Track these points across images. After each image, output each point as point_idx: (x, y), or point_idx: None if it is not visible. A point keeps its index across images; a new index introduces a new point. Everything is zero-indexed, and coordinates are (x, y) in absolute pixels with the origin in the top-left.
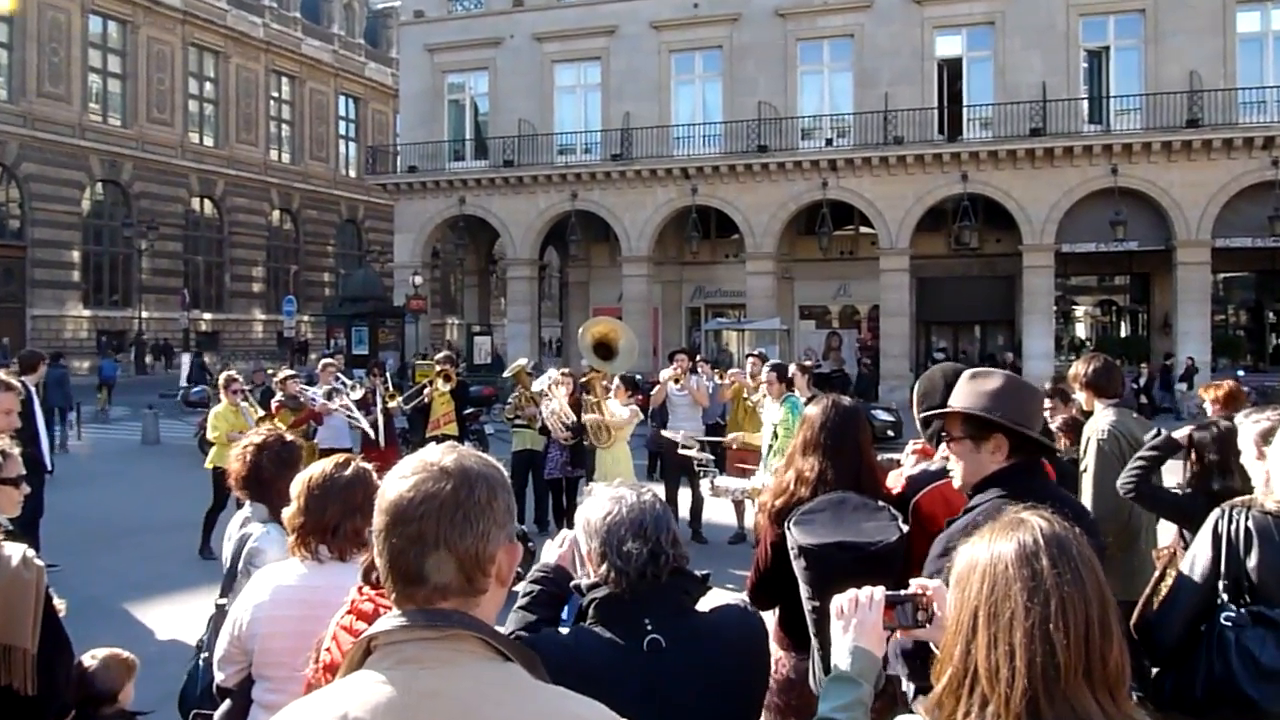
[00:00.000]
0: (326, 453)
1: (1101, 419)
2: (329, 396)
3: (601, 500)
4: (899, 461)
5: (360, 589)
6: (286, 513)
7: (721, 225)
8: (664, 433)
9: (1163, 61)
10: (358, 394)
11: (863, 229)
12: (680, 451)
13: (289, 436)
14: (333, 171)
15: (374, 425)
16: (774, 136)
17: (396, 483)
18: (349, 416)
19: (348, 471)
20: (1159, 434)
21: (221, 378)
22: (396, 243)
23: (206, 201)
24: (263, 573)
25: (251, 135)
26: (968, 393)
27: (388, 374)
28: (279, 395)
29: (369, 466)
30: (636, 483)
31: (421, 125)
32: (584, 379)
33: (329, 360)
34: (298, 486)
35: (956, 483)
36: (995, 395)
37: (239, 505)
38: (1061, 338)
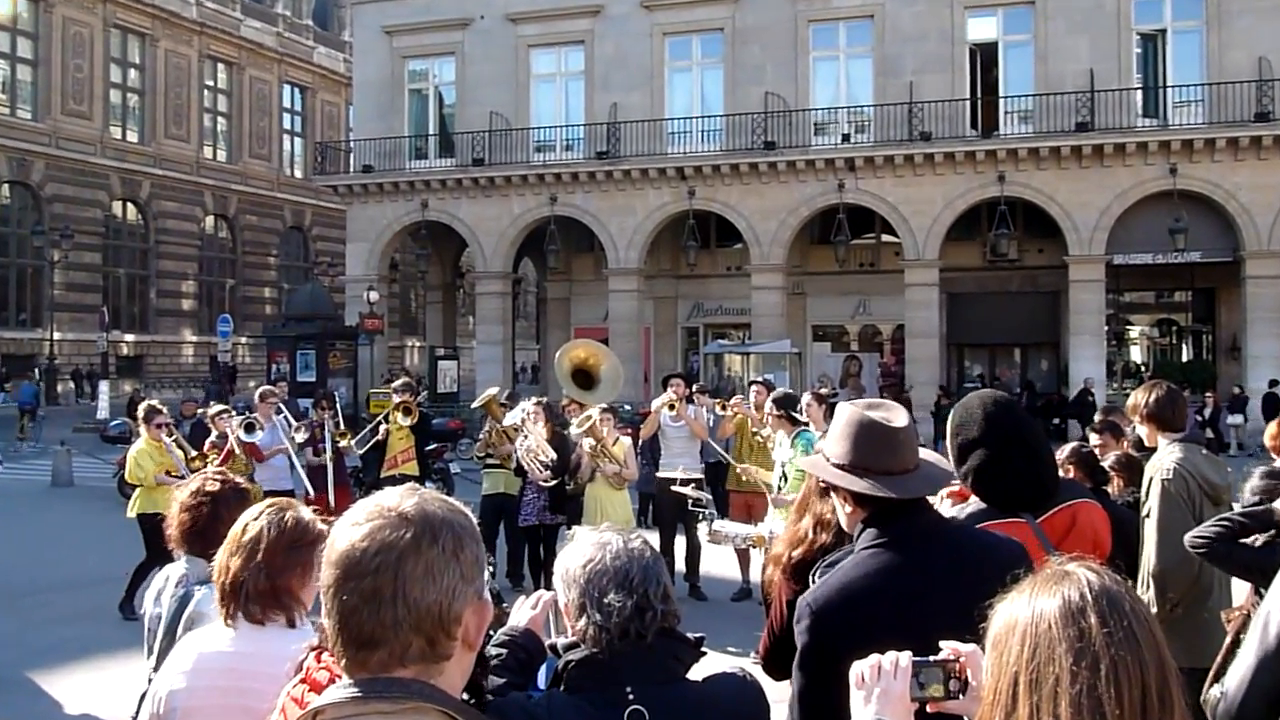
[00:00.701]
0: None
1: (1166, 456)
2: (249, 429)
3: (584, 546)
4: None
5: (318, 654)
6: (214, 567)
7: (723, 233)
8: (660, 472)
9: (1227, 46)
10: (302, 435)
11: (885, 237)
12: (675, 489)
13: (240, 482)
14: (275, 172)
15: (318, 468)
16: (783, 132)
17: (348, 531)
18: (287, 453)
19: (285, 519)
20: (1261, 504)
21: (142, 409)
22: (349, 253)
23: (130, 206)
24: (187, 640)
25: (182, 130)
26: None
27: (338, 406)
28: (215, 434)
29: (311, 513)
30: (628, 528)
31: (378, 118)
32: (564, 405)
33: (270, 388)
34: (228, 538)
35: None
36: (842, 439)
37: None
38: (1114, 362)
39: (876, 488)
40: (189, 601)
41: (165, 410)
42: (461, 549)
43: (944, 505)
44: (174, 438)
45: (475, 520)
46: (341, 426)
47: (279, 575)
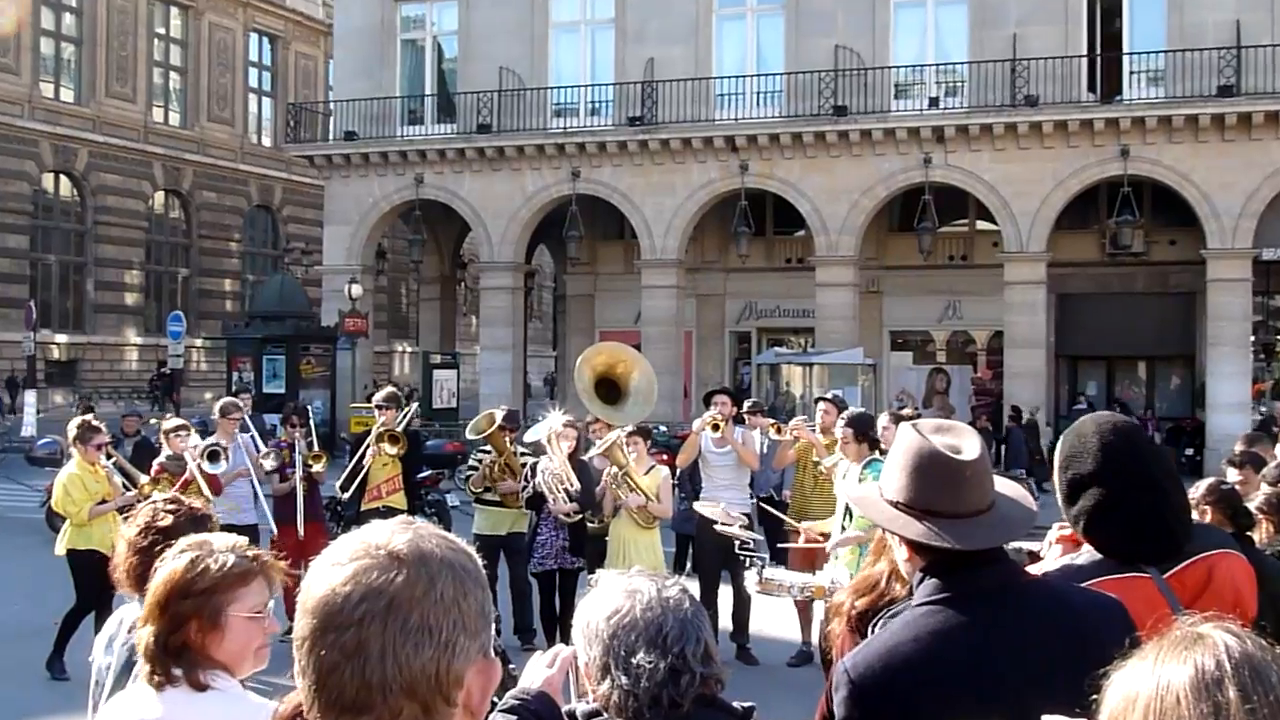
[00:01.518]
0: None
1: None
2: (212, 457)
3: (610, 594)
4: (1035, 555)
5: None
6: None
7: (782, 218)
8: (697, 506)
9: None
10: (271, 463)
11: (980, 225)
12: (719, 529)
13: (197, 507)
14: (239, 139)
15: (285, 497)
16: (856, 95)
17: (328, 573)
18: (250, 479)
19: (218, 560)
20: None
21: (73, 426)
22: (327, 238)
23: (63, 179)
24: (110, 708)
25: (126, 87)
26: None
27: (312, 423)
28: (165, 453)
29: (254, 551)
30: (663, 573)
31: (364, 75)
32: (589, 425)
33: (233, 400)
34: (155, 584)
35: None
36: (898, 470)
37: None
38: (1261, 379)
39: (935, 535)
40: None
41: (104, 428)
42: (465, 596)
43: (1051, 553)
44: (114, 460)
45: (480, 562)
46: (316, 447)
47: (208, 629)
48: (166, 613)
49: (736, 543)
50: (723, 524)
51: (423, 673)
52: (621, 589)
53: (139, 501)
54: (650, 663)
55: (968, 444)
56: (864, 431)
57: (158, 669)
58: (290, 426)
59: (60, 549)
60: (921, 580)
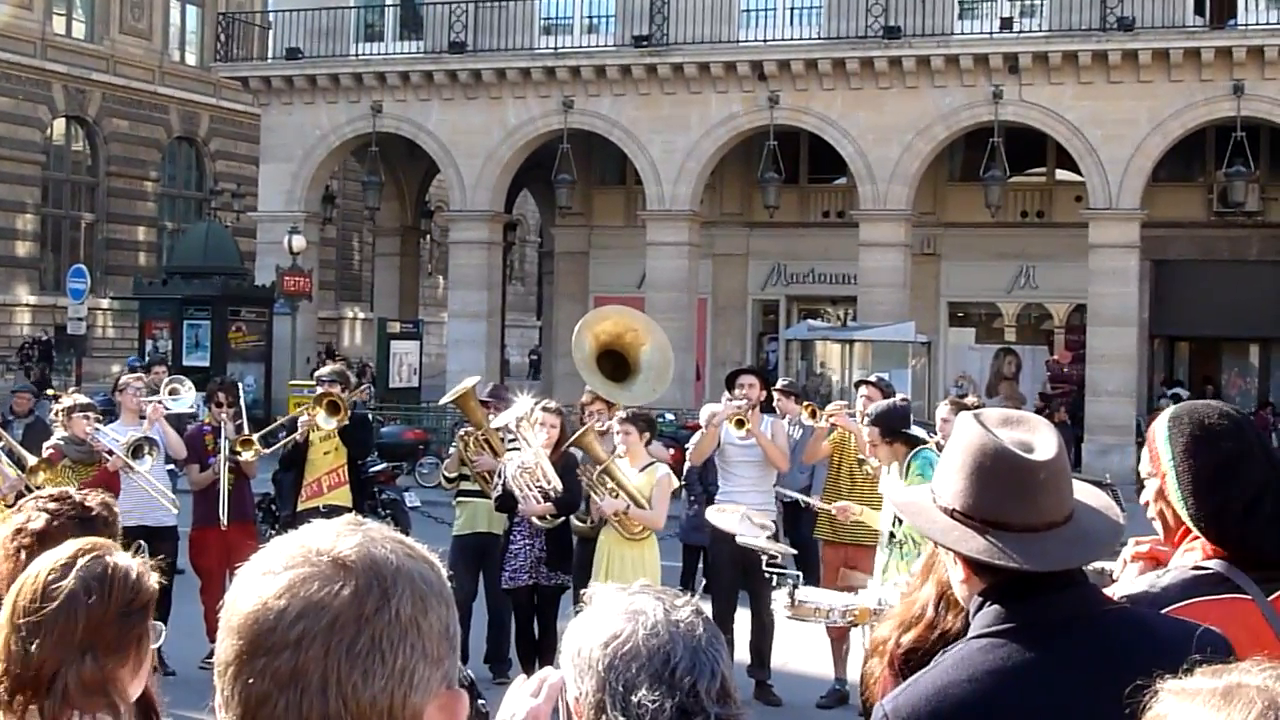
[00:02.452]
0: (130, 534)
1: None
2: (135, 453)
3: (607, 614)
4: (1110, 575)
5: None
6: None
7: (819, 162)
8: (711, 513)
9: None
10: (181, 403)
11: (1060, 174)
12: (740, 542)
13: (91, 504)
14: (158, 56)
15: (206, 491)
16: (911, 13)
17: (258, 583)
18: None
19: (72, 578)
20: None
21: None
22: (263, 179)
23: None
24: None
25: None
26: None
27: (242, 402)
28: (59, 434)
29: (126, 563)
30: (670, 590)
31: None
32: (585, 406)
33: (134, 376)
34: (3, 607)
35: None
36: (957, 472)
37: None
38: None
39: (1000, 552)
40: None
41: None
42: (425, 614)
43: (1127, 573)
44: (2, 443)
45: (445, 572)
46: (246, 430)
47: (109, 659)
48: (105, 637)
49: (763, 558)
50: (743, 536)
51: (373, 707)
52: (621, 609)
53: (27, 491)
54: (654, 701)
55: (1042, 440)
56: (894, 429)
57: (79, 711)
58: (216, 406)
59: None
60: (980, 607)
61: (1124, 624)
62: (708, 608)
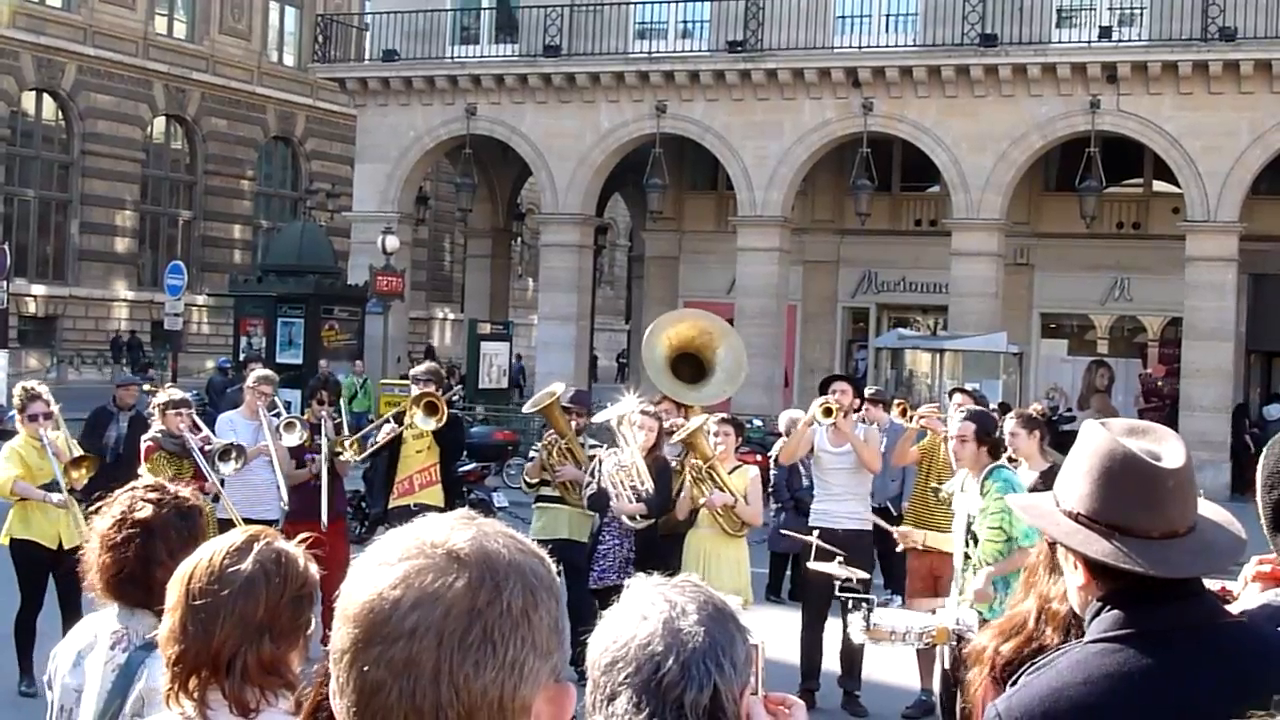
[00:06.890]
0: (227, 526)
1: None
2: (225, 456)
3: (622, 612)
4: (1228, 593)
5: None
6: (159, 633)
7: (912, 170)
8: (783, 530)
9: None
10: (294, 437)
11: (1158, 185)
12: (812, 566)
13: (186, 495)
14: (256, 56)
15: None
16: (1008, 21)
17: (374, 574)
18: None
19: (250, 561)
20: None
21: (16, 393)
22: (358, 180)
23: (46, 99)
24: None
25: None
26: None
27: (343, 402)
28: (155, 428)
29: (294, 550)
30: (699, 586)
31: None
32: (656, 404)
33: (268, 373)
34: (173, 589)
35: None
36: (1084, 476)
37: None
38: None
39: (1125, 556)
40: (136, 673)
41: (46, 396)
42: (535, 608)
43: (1248, 591)
44: (60, 434)
45: (554, 568)
46: (345, 430)
47: (243, 645)
48: (281, 620)
49: (836, 584)
50: (814, 558)
51: (483, 697)
52: (634, 610)
53: (60, 488)
54: (627, 714)
55: (1170, 450)
56: (989, 431)
57: (258, 690)
58: (318, 404)
59: (3, 538)
60: (1099, 612)
61: (1243, 637)
62: (787, 615)
